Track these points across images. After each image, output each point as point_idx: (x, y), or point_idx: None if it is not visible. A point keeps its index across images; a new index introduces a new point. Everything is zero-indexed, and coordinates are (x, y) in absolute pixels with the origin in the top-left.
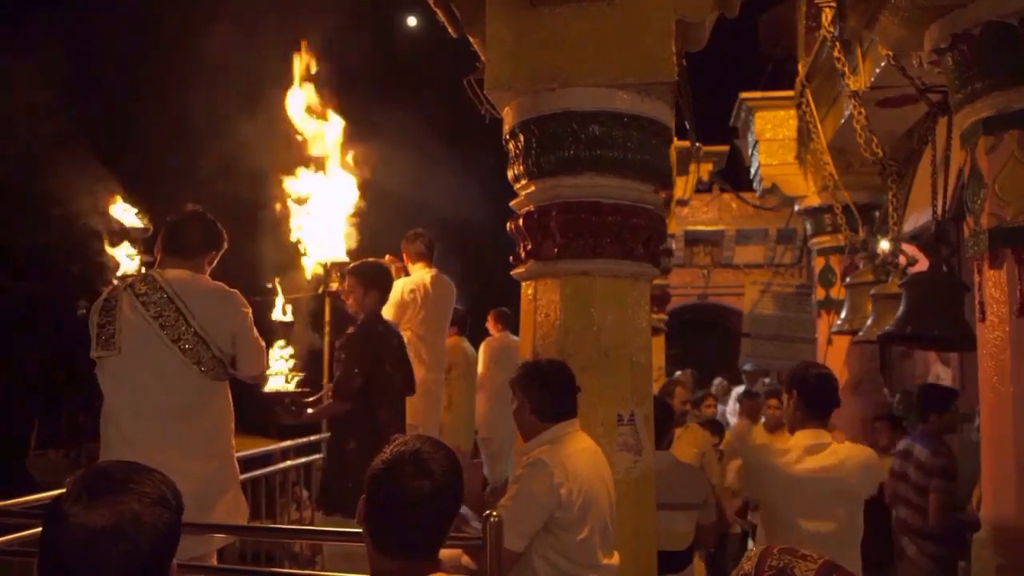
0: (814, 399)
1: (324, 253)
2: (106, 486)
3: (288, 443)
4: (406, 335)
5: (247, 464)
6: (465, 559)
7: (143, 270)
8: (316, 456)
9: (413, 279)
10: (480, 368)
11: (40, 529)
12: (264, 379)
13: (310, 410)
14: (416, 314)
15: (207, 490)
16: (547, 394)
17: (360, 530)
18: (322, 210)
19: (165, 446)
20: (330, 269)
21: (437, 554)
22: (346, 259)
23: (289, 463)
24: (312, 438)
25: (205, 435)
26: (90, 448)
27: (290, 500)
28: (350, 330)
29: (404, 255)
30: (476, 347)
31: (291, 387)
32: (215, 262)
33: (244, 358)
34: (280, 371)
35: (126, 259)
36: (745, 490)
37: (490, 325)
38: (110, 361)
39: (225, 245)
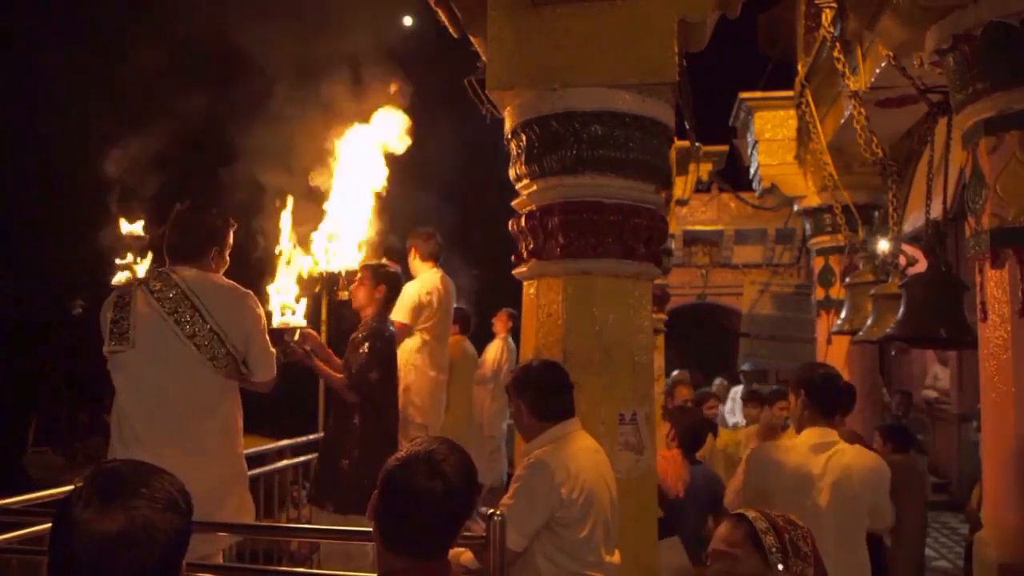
0: (821, 399)
1: (338, 261)
2: (117, 489)
3: (285, 442)
4: (423, 337)
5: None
6: (464, 558)
7: (156, 268)
8: (313, 455)
9: (428, 281)
10: (486, 367)
11: (41, 527)
12: (273, 386)
13: (320, 363)
14: (432, 316)
15: (218, 489)
16: (541, 395)
17: (359, 529)
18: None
19: (178, 444)
20: (343, 277)
21: (446, 555)
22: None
23: (286, 462)
24: (311, 437)
25: (217, 433)
26: (88, 446)
27: (288, 499)
28: (363, 327)
29: (413, 250)
30: (479, 346)
31: (299, 322)
32: (226, 254)
33: (257, 360)
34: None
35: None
36: (746, 486)
37: (498, 324)
38: (123, 356)
39: (230, 236)
